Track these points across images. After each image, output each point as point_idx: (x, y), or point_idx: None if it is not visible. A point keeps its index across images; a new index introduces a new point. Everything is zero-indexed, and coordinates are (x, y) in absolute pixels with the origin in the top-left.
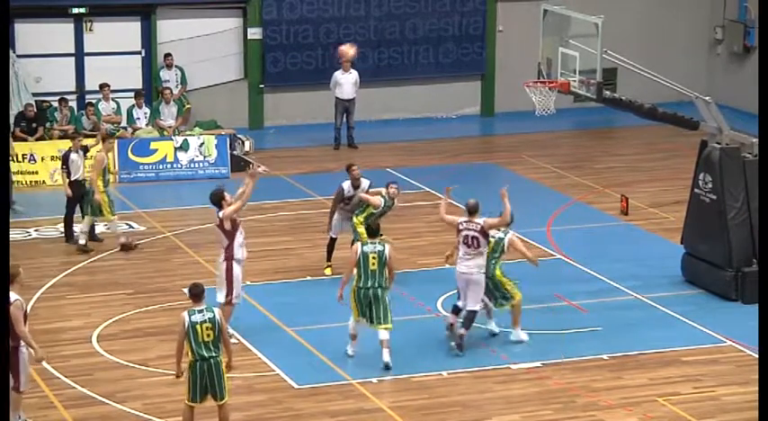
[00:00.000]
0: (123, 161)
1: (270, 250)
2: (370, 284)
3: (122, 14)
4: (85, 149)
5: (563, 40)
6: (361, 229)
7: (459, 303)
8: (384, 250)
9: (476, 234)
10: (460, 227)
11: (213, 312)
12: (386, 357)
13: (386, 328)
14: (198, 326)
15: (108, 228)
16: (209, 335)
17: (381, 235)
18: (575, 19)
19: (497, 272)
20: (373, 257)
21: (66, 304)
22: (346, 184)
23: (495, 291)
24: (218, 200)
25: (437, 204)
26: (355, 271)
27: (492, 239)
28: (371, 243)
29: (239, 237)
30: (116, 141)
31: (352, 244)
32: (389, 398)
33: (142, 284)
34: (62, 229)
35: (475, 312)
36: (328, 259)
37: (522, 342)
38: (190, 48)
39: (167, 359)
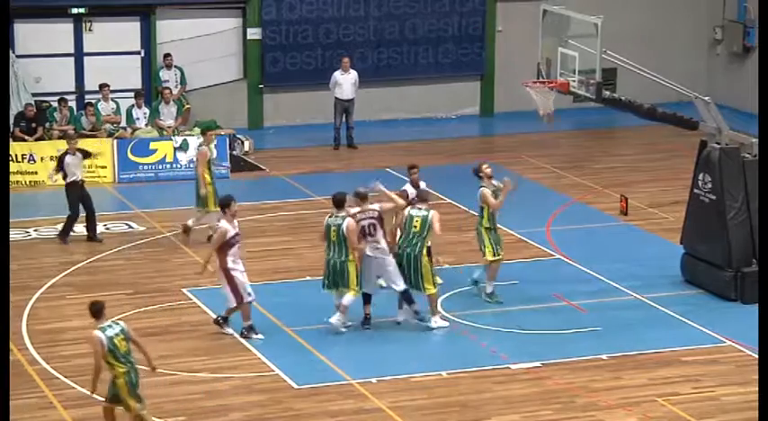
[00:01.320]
0: (123, 161)
1: (269, 250)
2: (333, 256)
3: (122, 15)
4: (84, 153)
5: (562, 40)
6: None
7: (367, 290)
8: (341, 225)
9: (374, 221)
10: (356, 217)
11: (120, 324)
12: (332, 318)
13: (350, 292)
14: (115, 340)
15: (199, 220)
16: (125, 346)
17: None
18: (574, 19)
19: (424, 253)
20: (333, 230)
21: (66, 304)
22: (408, 187)
23: (413, 274)
24: (222, 205)
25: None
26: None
27: (417, 218)
28: (336, 216)
29: (231, 253)
30: (115, 141)
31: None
32: (389, 399)
33: (142, 284)
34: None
35: (406, 289)
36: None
37: (444, 327)
38: (189, 48)
39: (167, 359)
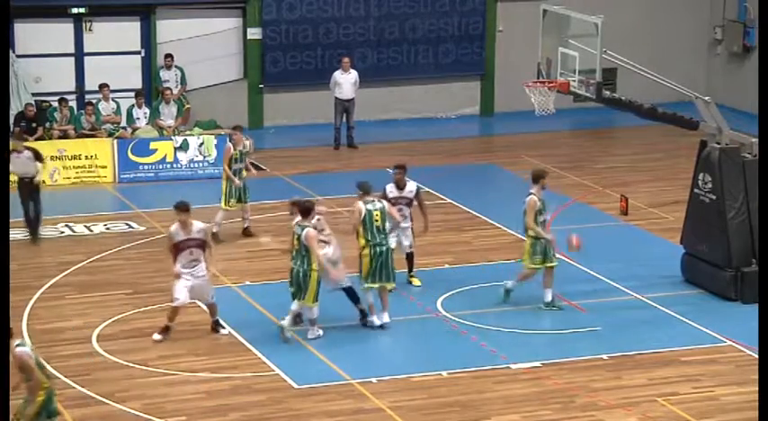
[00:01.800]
0: (123, 161)
1: (268, 250)
2: (296, 264)
3: (122, 14)
4: (36, 153)
5: (563, 39)
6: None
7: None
8: (302, 233)
9: (320, 216)
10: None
11: (26, 340)
12: (284, 321)
13: (306, 304)
14: (35, 353)
15: (244, 216)
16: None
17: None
18: (574, 19)
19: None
20: (296, 238)
21: (66, 304)
22: (390, 187)
23: (389, 267)
24: (179, 209)
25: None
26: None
27: (377, 212)
28: (300, 225)
29: (181, 257)
30: (116, 141)
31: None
32: (389, 398)
33: (141, 284)
34: (62, 229)
35: (351, 286)
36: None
37: (386, 325)
38: (189, 48)
39: (167, 359)
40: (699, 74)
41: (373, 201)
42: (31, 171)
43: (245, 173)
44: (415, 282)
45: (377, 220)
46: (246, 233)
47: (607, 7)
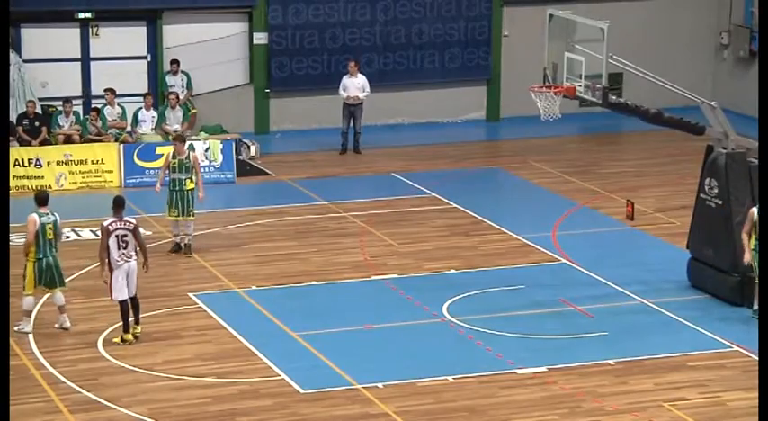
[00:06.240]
0: (129, 165)
1: (275, 254)
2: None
3: (128, 19)
4: None
5: (569, 44)
6: None
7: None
8: (57, 220)
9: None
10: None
11: None
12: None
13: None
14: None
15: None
16: None
17: None
18: (580, 24)
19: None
20: (50, 228)
21: (72, 309)
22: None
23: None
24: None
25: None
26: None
27: (49, 224)
28: (45, 214)
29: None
30: (122, 146)
31: None
32: (395, 403)
33: (147, 289)
34: (68, 234)
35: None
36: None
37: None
38: (196, 53)
39: (173, 363)
40: (705, 78)
41: (47, 213)
42: None
43: (189, 184)
44: (136, 331)
45: (49, 234)
46: (177, 249)
47: (613, 12)
